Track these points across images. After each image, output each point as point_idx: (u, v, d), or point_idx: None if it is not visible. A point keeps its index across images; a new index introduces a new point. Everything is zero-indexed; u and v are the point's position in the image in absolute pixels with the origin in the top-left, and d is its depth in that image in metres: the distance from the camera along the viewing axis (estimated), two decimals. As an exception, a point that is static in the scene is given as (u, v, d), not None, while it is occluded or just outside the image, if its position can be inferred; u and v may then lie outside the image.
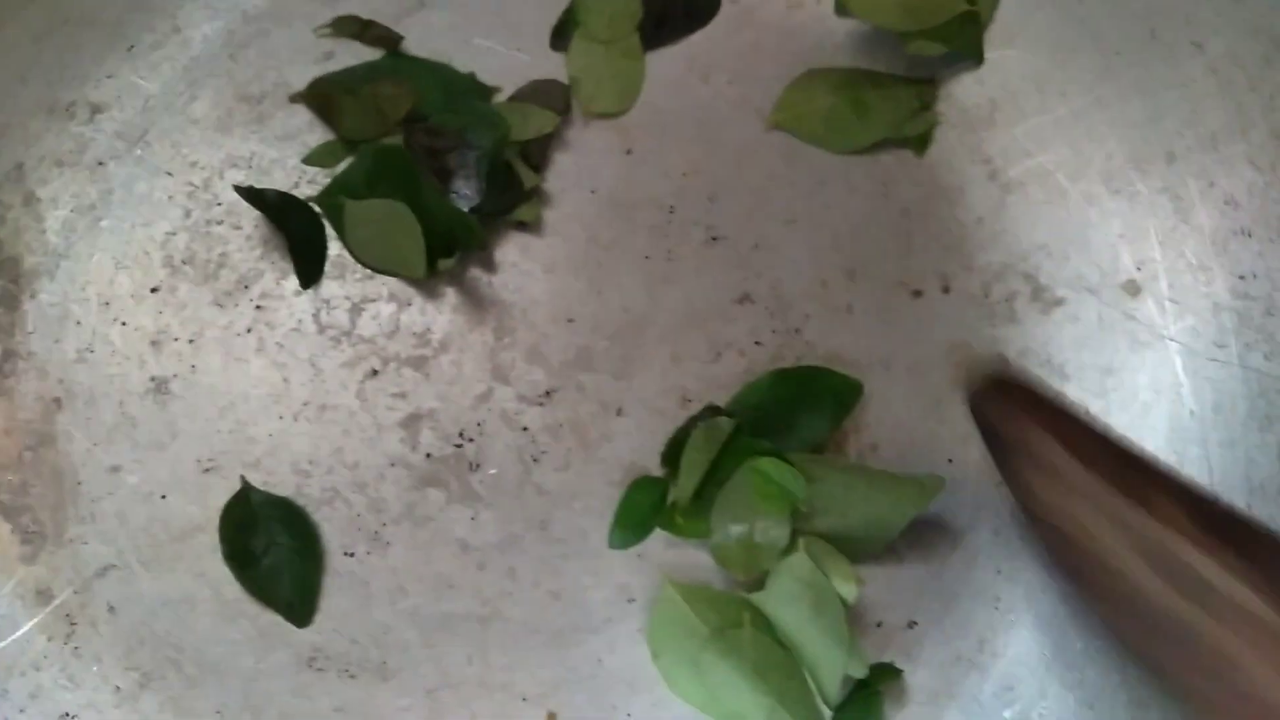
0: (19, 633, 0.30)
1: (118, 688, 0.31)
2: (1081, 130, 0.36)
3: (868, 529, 0.30)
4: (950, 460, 0.33)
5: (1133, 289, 0.34)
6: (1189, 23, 0.34)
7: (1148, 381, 0.33)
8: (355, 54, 0.37)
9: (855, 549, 0.30)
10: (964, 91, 0.37)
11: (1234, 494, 0.31)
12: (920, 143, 0.35)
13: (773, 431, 0.32)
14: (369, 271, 0.34)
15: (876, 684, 0.31)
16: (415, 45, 0.37)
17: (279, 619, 0.31)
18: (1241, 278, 0.33)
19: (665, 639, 0.30)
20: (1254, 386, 0.32)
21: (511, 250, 0.34)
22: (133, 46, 0.37)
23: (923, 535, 0.33)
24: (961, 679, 0.32)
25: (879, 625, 0.32)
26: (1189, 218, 0.34)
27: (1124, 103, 0.35)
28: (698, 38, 0.37)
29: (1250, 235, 0.33)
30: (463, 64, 0.37)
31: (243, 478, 0.32)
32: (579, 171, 0.36)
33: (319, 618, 0.31)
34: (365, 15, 0.37)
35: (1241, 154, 0.33)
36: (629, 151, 0.36)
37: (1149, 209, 0.35)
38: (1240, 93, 0.33)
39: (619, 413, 0.33)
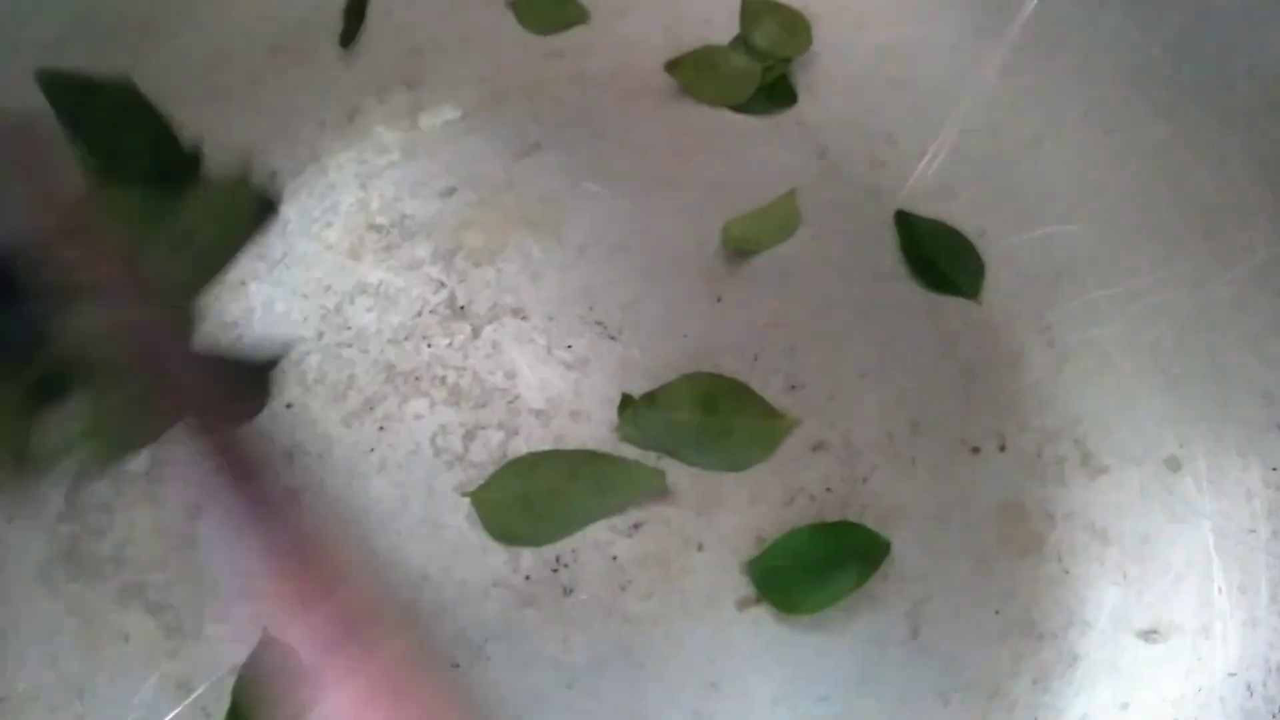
0: (163, 722, 0.34)
1: (247, 778, 0.34)
2: (1136, 310, 0.39)
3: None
4: (997, 612, 0.36)
5: (1174, 464, 0.37)
6: (1242, 227, 0.38)
7: (1181, 554, 0.36)
8: (476, 189, 0.41)
9: None
10: (1031, 260, 0.40)
11: (1253, 672, 0.34)
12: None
13: (805, 581, 0.36)
14: (483, 400, 0.38)
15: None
16: (526, 186, 0.40)
17: None
18: (1274, 469, 0.36)
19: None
20: (1278, 572, 0.35)
21: (607, 392, 0.38)
22: (275, 173, 0.40)
23: (964, 681, 0.36)
24: (996, 818, 0.36)
25: (921, 764, 0.36)
26: (1229, 406, 0.37)
27: (1177, 289, 0.39)
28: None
29: (1285, 431, 0.36)
30: (572, 207, 0.41)
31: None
32: (673, 318, 0.39)
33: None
34: (486, 153, 0.41)
35: (1282, 355, 0.36)
36: (719, 299, 0.40)
37: (1193, 392, 0.38)
38: (1285, 300, 0.36)
39: (700, 548, 0.37)
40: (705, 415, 0.37)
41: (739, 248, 0.39)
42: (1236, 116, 0.38)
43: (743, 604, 0.36)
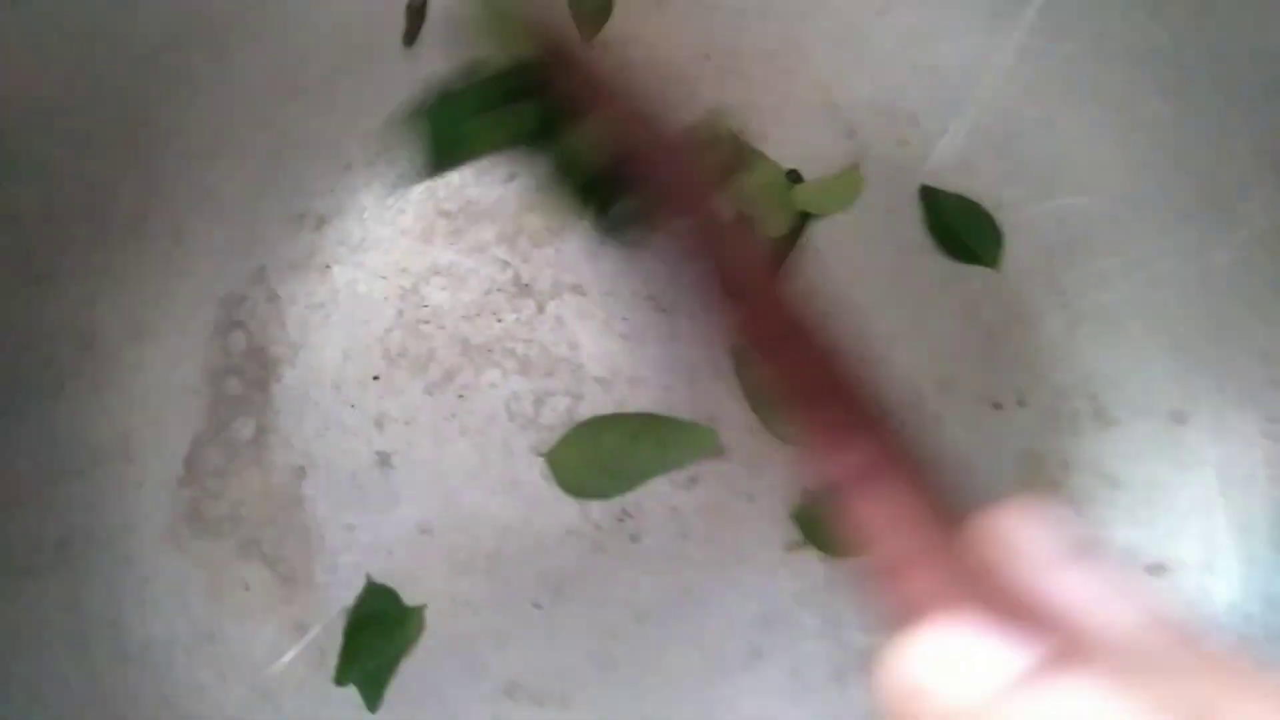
0: (284, 660, 0.38)
1: (358, 706, 0.39)
2: (1144, 275, 0.43)
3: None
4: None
5: (1179, 417, 0.41)
6: (1243, 198, 0.41)
7: (1186, 499, 0.40)
8: (534, 175, 0.44)
9: None
10: (1046, 230, 0.44)
11: (1252, 603, 0.39)
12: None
13: None
14: (550, 369, 0.42)
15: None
16: (589, 176, 0.44)
17: (484, 656, 0.39)
18: (1272, 421, 0.40)
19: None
20: (1277, 514, 0.39)
21: (661, 360, 0.42)
22: (350, 165, 0.44)
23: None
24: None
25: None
26: (1230, 364, 0.41)
27: (1181, 256, 0.42)
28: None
29: (1281, 385, 0.40)
30: (624, 188, 0.44)
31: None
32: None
33: (517, 655, 0.39)
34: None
35: (1280, 314, 0.40)
36: (761, 273, 0.43)
37: (1197, 351, 0.41)
38: (1289, 261, 0.40)
39: (750, 499, 0.41)
40: None
41: (806, 210, 0.43)
42: (1238, 97, 0.41)
43: (791, 547, 0.40)
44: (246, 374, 0.41)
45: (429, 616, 0.38)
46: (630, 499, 0.40)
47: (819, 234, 0.44)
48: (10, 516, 0.37)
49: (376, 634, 0.38)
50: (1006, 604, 0.21)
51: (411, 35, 0.45)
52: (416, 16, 0.45)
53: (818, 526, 0.40)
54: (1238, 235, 0.41)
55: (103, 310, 0.40)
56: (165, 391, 0.40)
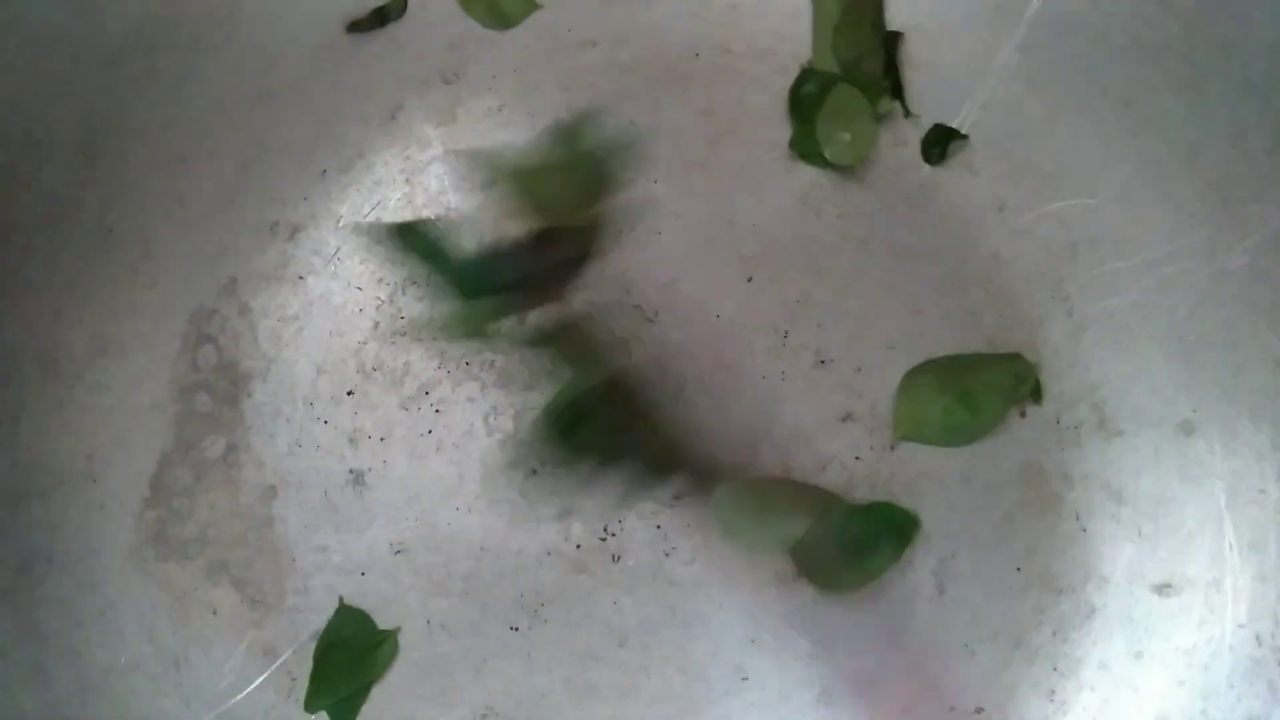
0: (252, 686, 0.37)
1: (330, 734, 0.38)
2: (1152, 280, 0.41)
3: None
4: (1018, 568, 0.39)
5: (1187, 428, 0.39)
6: (1256, 199, 0.39)
7: (1194, 514, 0.39)
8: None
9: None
10: (1049, 233, 0.42)
11: (1262, 624, 0.37)
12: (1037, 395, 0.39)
13: (842, 562, 0.38)
14: (530, 382, 0.40)
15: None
16: (570, 181, 0.42)
17: (460, 682, 0.38)
18: (1284, 432, 0.38)
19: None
20: (1287, 530, 0.38)
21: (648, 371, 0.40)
22: (324, 171, 0.42)
23: (988, 633, 0.38)
24: (1020, 760, 0.38)
25: (951, 709, 0.38)
26: (1242, 373, 0.39)
27: (1191, 260, 0.40)
28: (810, 174, 0.42)
29: (1295, 395, 0.38)
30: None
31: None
32: (705, 297, 0.41)
33: (493, 680, 0.38)
34: (523, 144, 0.42)
35: (1296, 323, 0.38)
36: (749, 279, 0.42)
37: (1207, 359, 0.40)
38: (1301, 270, 0.38)
39: (738, 516, 0.39)
40: None
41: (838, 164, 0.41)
42: (1253, 92, 0.39)
43: (782, 580, 0.38)
44: (216, 390, 0.40)
45: (402, 640, 0.37)
46: (612, 516, 0.39)
47: (813, 239, 0.42)
48: (-32, 541, 0.36)
49: (348, 659, 0.36)
50: None
51: (359, 26, 0.44)
52: (377, 18, 0.44)
53: (814, 563, 0.38)
54: (1251, 238, 0.39)
55: (66, 325, 0.38)
56: (131, 409, 0.38)
